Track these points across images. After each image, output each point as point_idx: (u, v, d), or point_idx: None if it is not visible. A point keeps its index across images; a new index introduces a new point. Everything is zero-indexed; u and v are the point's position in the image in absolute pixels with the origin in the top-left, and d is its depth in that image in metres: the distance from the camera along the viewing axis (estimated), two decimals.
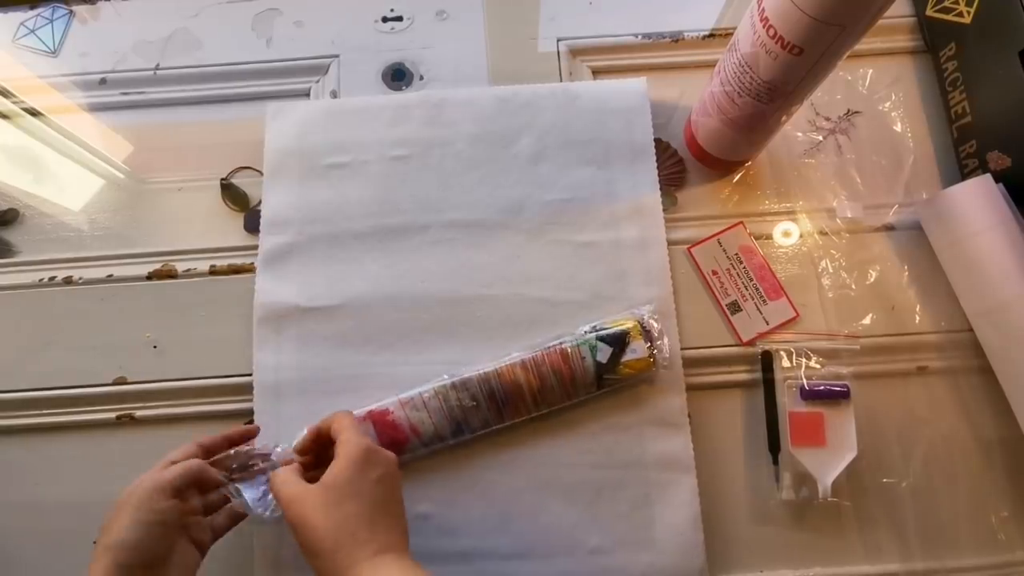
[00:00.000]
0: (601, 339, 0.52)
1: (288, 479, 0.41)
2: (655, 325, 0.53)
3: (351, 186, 0.59)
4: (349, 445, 0.41)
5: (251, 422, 0.54)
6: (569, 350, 0.52)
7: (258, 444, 0.49)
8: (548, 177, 0.59)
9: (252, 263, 0.58)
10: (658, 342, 0.53)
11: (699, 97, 0.57)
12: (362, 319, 0.56)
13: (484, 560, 0.51)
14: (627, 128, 0.60)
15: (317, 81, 0.64)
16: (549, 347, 0.52)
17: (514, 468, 0.52)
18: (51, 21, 0.67)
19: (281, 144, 0.60)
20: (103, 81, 0.64)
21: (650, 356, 0.52)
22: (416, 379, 0.54)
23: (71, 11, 0.67)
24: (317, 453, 0.46)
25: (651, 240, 0.57)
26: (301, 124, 0.61)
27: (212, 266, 0.59)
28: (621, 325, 0.53)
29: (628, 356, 0.52)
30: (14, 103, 0.64)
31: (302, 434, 0.46)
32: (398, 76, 0.64)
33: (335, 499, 0.39)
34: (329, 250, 0.57)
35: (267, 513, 0.45)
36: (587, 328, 0.53)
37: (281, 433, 0.53)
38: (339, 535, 0.38)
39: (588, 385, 0.52)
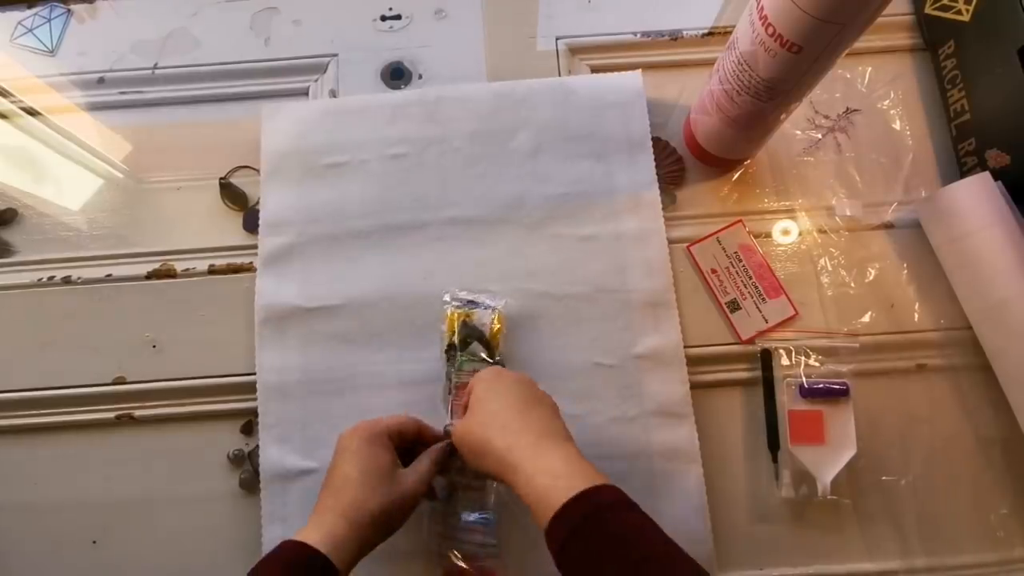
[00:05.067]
0: (465, 345, 0.51)
1: (456, 423, 0.45)
2: (461, 294, 0.53)
3: (350, 185, 0.59)
4: (479, 375, 0.46)
5: (252, 423, 0.55)
6: (464, 381, 0.50)
7: None
8: (547, 171, 0.59)
9: (251, 262, 0.58)
10: (478, 296, 0.53)
11: (698, 95, 0.56)
12: (365, 318, 0.56)
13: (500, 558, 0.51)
14: (624, 121, 0.60)
15: (316, 80, 0.64)
16: (450, 402, 0.51)
17: None
18: (49, 20, 0.67)
19: (278, 145, 0.60)
20: (101, 80, 0.64)
21: (493, 312, 0.52)
22: (420, 376, 0.54)
23: (69, 10, 0.67)
24: None
25: (650, 232, 0.58)
26: (298, 124, 0.61)
27: (211, 265, 0.59)
28: (454, 326, 0.52)
29: (487, 330, 0.52)
30: (12, 103, 0.64)
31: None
32: (397, 75, 0.64)
33: (478, 410, 0.43)
34: (329, 250, 0.57)
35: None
36: (446, 355, 0.52)
37: (288, 434, 0.53)
38: (490, 432, 0.41)
39: None
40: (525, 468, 0.39)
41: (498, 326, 0.52)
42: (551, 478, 0.38)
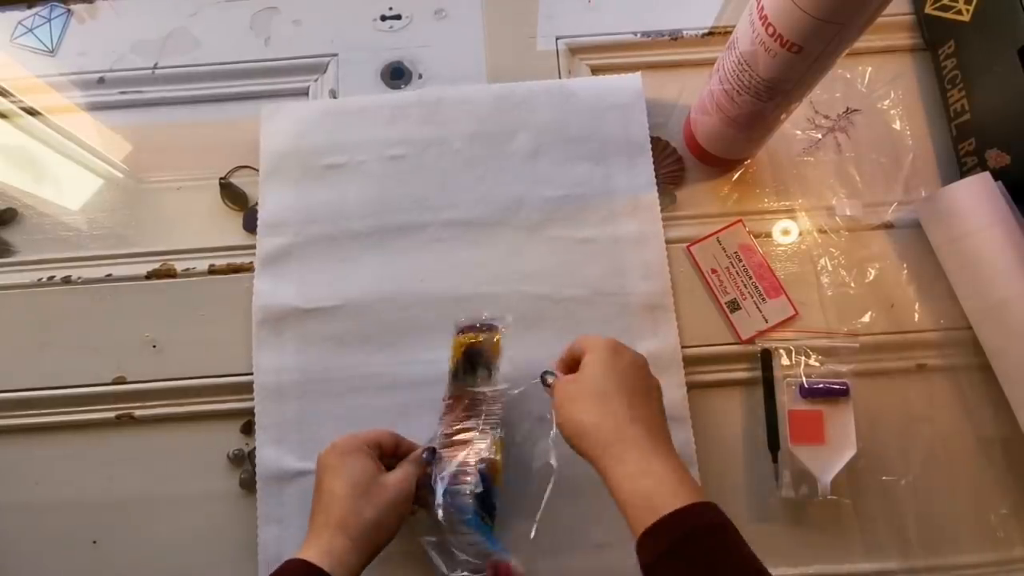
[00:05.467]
0: (473, 369, 0.50)
1: (559, 383, 0.43)
2: (461, 320, 0.52)
3: (349, 186, 0.59)
4: (596, 342, 0.43)
5: (252, 423, 0.55)
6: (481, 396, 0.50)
7: None
8: (546, 174, 0.59)
9: (251, 262, 0.58)
10: (482, 320, 0.52)
11: (698, 95, 0.56)
12: (362, 319, 0.56)
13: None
14: (623, 124, 0.60)
15: (316, 80, 0.64)
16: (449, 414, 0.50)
17: (519, 467, 0.52)
18: (49, 20, 0.67)
19: (277, 146, 0.60)
20: (101, 80, 0.64)
21: (494, 335, 0.51)
22: (417, 378, 0.54)
23: (69, 10, 0.67)
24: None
25: (649, 235, 0.58)
26: (297, 125, 0.61)
27: (211, 265, 0.59)
28: (459, 352, 0.51)
29: (491, 353, 0.51)
30: (12, 102, 0.64)
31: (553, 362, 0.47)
32: (397, 75, 0.64)
33: (590, 388, 0.40)
34: (328, 251, 0.57)
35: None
36: (453, 378, 0.51)
37: (285, 435, 0.53)
38: (596, 415, 0.39)
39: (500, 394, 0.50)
40: (629, 465, 0.37)
41: (499, 346, 0.51)
42: (656, 483, 0.36)
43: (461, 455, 0.48)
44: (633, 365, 0.42)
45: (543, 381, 0.47)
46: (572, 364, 0.45)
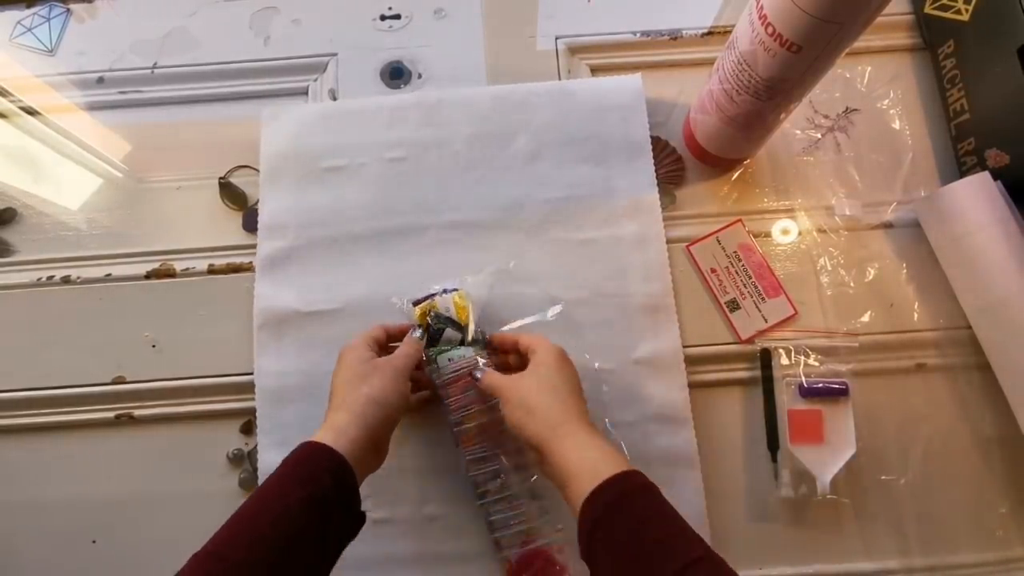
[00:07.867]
0: (439, 334, 0.51)
1: (497, 374, 0.49)
2: (414, 296, 0.53)
3: (348, 189, 0.59)
4: (547, 347, 0.49)
5: (252, 422, 0.54)
6: (448, 376, 0.50)
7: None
8: (546, 175, 0.59)
9: (251, 262, 0.58)
10: (431, 289, 0.53)
11: (698, 95, 0.56)
12: (362, 322, 0.55)
13: (493, 560, 0.51)
14: (623, 125, 0.60)
15: (315, 79, 0.64)
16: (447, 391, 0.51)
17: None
18: (48, 20, 0.67)
19: (277, 148, 0.60)
20: (101, 80, 0.64)
21: (451, 294, 0.52)
22: None
23: (68, 10, 0.67)
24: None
25: (650, 236, 0.57)
26: (297, 127, 0.61)
27: (210, 265, 0.59)
28: (425, 321, 0.52)
29: (453, 313, 0.51)
30: (11, 102, 0.64)
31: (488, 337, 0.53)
32: (396, 74, 0.64)
33: (549, 386, 0.47)
34: (328, 254, 0.57)
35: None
36: (425, 355, 0.51)
37: (286, 438, 0.53)
38: (548, 399, 0.46)
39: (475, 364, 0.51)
40: (578, 440, 0.44)
41: (462, 303, 0.51)
42: (600, 455, 0.43)
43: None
44: (574, 374, 0.49)
45: (472, 376, 0.50)
46: (513, 353, 0.51)
